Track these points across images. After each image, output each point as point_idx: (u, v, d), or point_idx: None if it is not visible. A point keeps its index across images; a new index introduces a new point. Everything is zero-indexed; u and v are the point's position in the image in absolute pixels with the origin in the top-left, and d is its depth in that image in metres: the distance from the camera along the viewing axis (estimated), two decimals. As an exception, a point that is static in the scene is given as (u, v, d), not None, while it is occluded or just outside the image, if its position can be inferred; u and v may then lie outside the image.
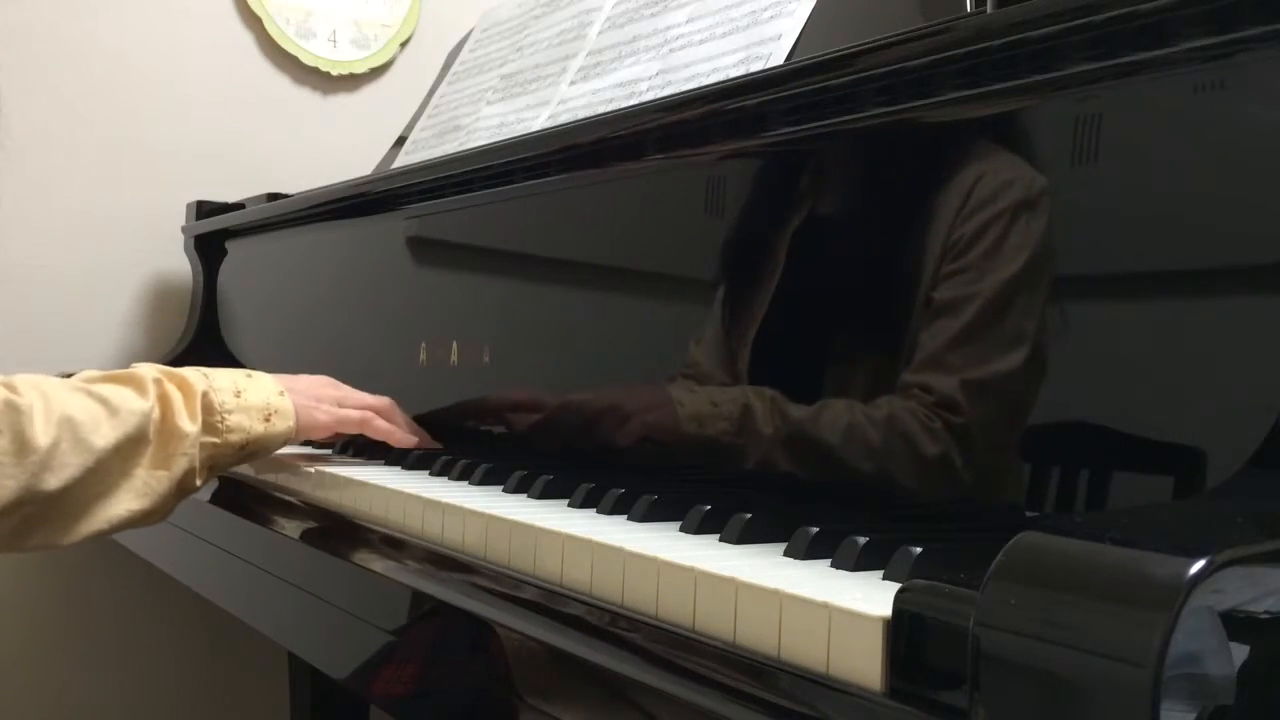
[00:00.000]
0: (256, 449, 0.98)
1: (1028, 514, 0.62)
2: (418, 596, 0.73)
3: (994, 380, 0.64)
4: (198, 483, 0.94)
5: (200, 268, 1.71)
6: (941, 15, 0.75)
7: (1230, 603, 0.37)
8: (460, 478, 0.92)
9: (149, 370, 0.94)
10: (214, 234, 1.68)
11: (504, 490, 0.85)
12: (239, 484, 1.12)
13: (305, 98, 1.87)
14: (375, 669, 0.79)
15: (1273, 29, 0.52)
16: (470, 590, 0.70)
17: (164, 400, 0.92)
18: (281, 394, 1.00)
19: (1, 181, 1.63)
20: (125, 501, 0.89)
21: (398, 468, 1.02)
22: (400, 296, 1.23)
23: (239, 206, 1.66)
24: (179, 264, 1.75)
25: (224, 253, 1.68)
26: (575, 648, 0.59)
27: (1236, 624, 0.37)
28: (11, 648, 1.66)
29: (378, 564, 0.79)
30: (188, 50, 1.77)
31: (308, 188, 1.44)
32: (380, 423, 1.06)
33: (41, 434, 0.85)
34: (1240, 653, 0.37)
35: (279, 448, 1.01)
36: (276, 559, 0.97)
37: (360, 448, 1.12)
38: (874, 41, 0.70)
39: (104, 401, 0.89)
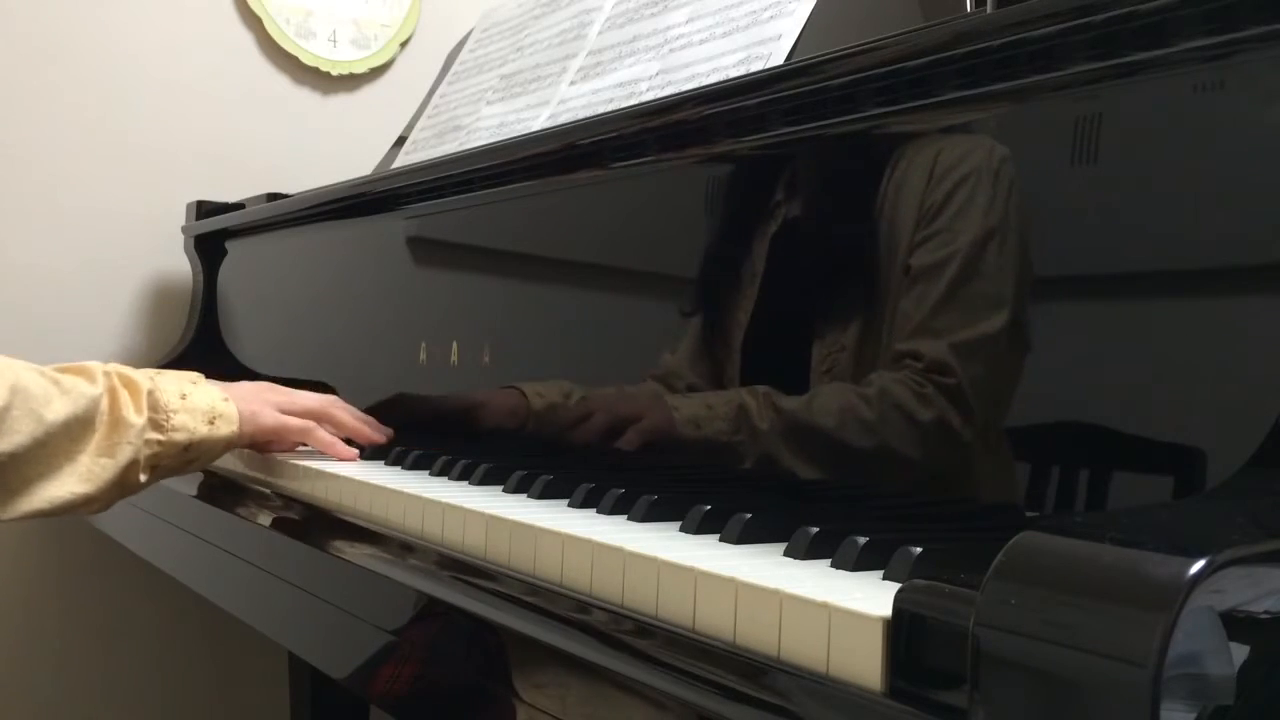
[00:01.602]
0: (200, 452, 1.00)
1: (1027, 514, 0.62)
2: (417, 596, 0.73)
3: (983, 341, 0.65)
4: (141, 478, 0.96)
5: (200, 268, 1.71)
6: (941, 15, 0.75)
7: (1230, 603, 0.37)
8: (460, 478, 0.92)
9: (99, 365, 0.97)
10: (214, 234, 1.68)
11: (504, 490, 0.85)
12: (239, 484, 1.12)
13: (305, 98, 1.87)
14: (375, 668, 0.79)
15: (1273, 29, 0.52)
16: (470, 590, 0.70)
17: (112, 392, 0.95)
18: (226, 400, 1.02)
19: (1, 181, 1.63)
20: (69, 484, 0.91)
21: (398, 468, 1.02)
22: (400, 296, 1.23)
23: (239, 206, 1.66)
24: (179, 264, 1.75)
25: (224, 253, 1.68)
26: (575, 648, 0.59)
27: (1236, 624, 0.37)
28: (9, 648, 1.66)
29: (377, 564, 0.79)
30: (187, 50, 1.77)
31: (308, 188, 1.44)
32: (321, 434, 1.08)
33: None
34: (1240, 653, 0.37)
35: (222, 454, 1.03)
36: (276, 559, 0.97)
37: (362, 446, 1.12)
38: (873, 41, 0.70)
39: (56, 382, 0.92)
